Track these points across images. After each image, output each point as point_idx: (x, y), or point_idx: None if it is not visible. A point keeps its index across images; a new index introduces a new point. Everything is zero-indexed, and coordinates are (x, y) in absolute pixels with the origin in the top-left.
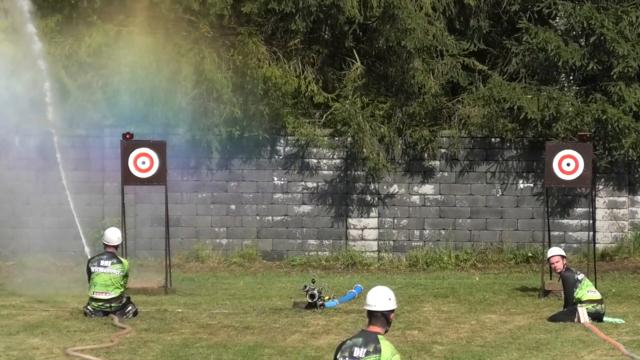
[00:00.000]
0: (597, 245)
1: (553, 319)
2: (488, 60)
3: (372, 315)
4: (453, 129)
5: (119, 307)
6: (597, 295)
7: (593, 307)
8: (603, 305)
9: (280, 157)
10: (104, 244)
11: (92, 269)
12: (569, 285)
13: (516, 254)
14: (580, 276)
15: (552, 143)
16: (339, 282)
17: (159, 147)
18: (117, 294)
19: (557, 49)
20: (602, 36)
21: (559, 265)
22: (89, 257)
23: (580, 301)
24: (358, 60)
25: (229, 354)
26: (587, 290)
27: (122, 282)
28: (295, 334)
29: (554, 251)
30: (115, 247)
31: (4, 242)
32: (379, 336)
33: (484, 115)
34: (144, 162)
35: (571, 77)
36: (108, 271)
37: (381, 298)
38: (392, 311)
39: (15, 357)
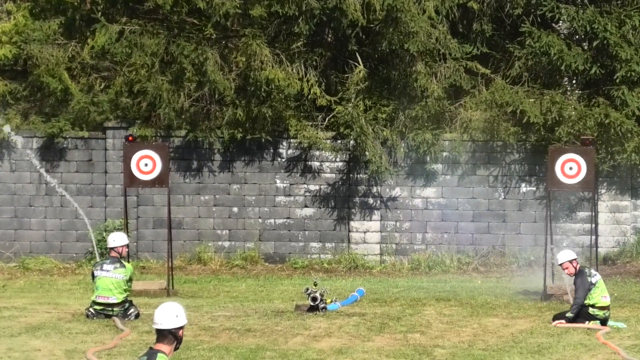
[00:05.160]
0: (599, 250)
1: (560, 317)
2: (491, 64)
3: (159, 333)
4: (455, 133)
5: (122, 311)
6: (608, 301)
7: (603, 314)
8: (609, 311)
9: (283, 160)
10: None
11: (95, 272)
12: (583, 289)
13: (518, 258)
14: (594, 279)
15: (555, 147)
16: (341, 285)
17: (162, 149)
18: (120, 299)
19: (560, 53)
20: (605, 40)
21: (571, 270)
22: (94, 262)
23: (593, 306)
24: (361, 63)
25: (231, 357)
26: (601, 296)
27: (125, 287)
28: (297, 336)
29: (562, 257)
30: (117, 250)
31: (6, 244)
32: (159, 354)
33: (487, 119)
34: (146, 164)
35: (574, 81)
36: (110, 275)
37: (167, 315)
38: (181, 328)
39: (17, 358)
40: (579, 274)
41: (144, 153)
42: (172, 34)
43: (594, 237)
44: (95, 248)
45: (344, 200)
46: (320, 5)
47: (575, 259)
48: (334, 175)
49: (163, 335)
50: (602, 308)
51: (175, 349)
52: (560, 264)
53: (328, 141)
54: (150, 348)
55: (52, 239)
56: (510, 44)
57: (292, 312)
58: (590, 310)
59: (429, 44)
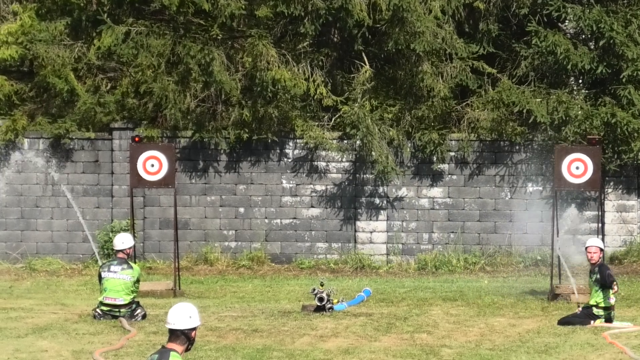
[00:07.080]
0: (606, 249)
1: (565, 321)
2: (497, 64)
3: (172, 333)
4: (462, 133)
5: (128, 312)
6: (612, 302)
7: (607, 314)
8: (614, 312)
9: (289, 160)
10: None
11: (103, 274)
12: (608, 275)
13: (525, 257)
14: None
15: (561, 146)
16: (347, 285)
17: (168, 150)
18: (127, 300)
19: (566, 53)
20: (612, 39)
21: (595, 258)
22: (100, 264)
23: (597, 306)
24: (367, 63)
25: (238, 357)
26: (607, 297)
27: (132, 288)
28: (303, 337)
29: (594, 241)
30: (126, 252)
31: (12, 245)
32: (172, 353)
33: (493, 118)
34: (152, 165)
35: (580, 81)
36: (118, 277)
37: (181, 316)
38: (194, 329)
39: (24, 359)
40: (604, 265)
41: (150, 154)
42: (178, 35)
43: (600, 236)
44: (97, 253)
45: (350, 200)
46: (326, 5)
47: (602, 250)
48: (340, 175)
49: (175, 335)
50: (606, 308)
51: (187, 349)
52: (588, 247)
53: (334, 141)
54: (163, 347)
55: (58, 239)
56: (516, 43)
57: (298, 312)
58: (595, 310)
59: (435, 44)
